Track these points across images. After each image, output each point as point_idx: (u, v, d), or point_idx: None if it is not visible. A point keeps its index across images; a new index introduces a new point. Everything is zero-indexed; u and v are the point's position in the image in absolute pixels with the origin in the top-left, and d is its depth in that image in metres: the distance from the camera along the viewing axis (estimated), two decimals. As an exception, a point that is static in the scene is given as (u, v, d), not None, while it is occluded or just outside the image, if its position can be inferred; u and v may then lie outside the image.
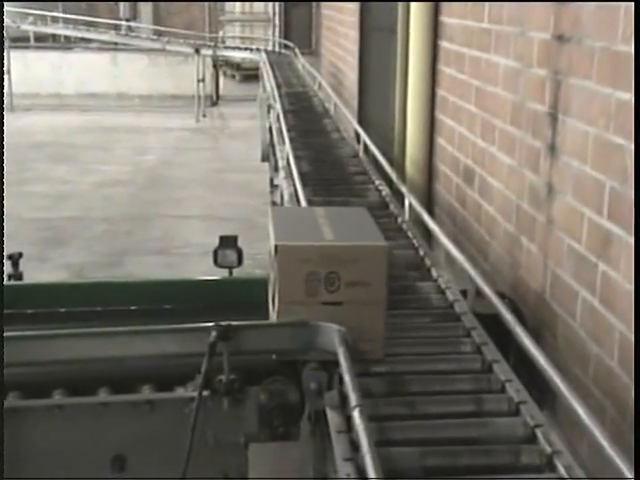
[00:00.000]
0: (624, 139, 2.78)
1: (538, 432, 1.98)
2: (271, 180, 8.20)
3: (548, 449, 1.91)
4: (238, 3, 20.49)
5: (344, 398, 2.10)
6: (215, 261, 3.21)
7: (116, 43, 17.12)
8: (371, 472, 1.63)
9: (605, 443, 1.73)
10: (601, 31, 3.01)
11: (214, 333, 2.16)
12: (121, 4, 23.22)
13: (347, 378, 2.00)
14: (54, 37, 20.13)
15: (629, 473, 1.73)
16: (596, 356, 2.97)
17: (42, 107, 15.32)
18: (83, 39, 17.72)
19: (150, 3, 24.21)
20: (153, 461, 2.28)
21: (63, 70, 16.11)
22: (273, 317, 2.39)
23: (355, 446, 1.89)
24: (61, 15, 17.40)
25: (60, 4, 19.56)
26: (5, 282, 3.10)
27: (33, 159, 11.13)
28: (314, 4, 14.94)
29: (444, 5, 5.31)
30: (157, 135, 13.10)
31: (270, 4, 17.92)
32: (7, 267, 3.16)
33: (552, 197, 3.45)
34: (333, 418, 2.06)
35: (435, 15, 5.39)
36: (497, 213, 4.21)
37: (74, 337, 2.25)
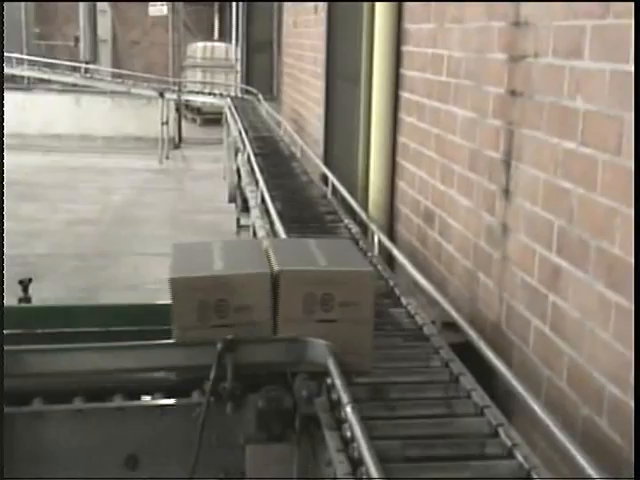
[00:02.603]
0: (570, 183, 3.03)
1: (500, 430, 2.31)
2: (237, 220, 8.48)
3: (509, 442, 2.25)
4: (199, 48, 20.84)
5: (332, 404, 2.40)
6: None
7: (75, 85, 17.20)
8: (367, 456, 1.92)
9: (561, 436, 2.06)
10: (550, 87, 3.26)
11: (220, 345, 2.43)
12: (81, 48, 23.44)
13: (338, 382, 2.28)
14: (14, 77, 20.23)
15: (584, 462, 2.04)
16: (547, 378, 3.19)
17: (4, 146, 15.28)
18: (43, 80, 17.77)
19: (109, 47, 24.46)
20: (163, 460, 2.53)
21: (27, 110, 16.14)
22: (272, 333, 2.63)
23: (345, 441, 2.20)
24: (26, 57, 17.55)
25: (24, 46, 19.70)
26: (17, 304, 3.36)
27: None
28: (275, 52, 15.34)
29: (405, 59, 5.60)
30: (122, 176, 13.17)
31: (232, 51, 18.35)
32: (18, 291, 3.42)
33: (507, 235, 3.68)
34: (325, 419, 2.34)
35: (396, 67, 5.60)
36: (456, 251, 4.41)
37: (93, 351, 2.53)
